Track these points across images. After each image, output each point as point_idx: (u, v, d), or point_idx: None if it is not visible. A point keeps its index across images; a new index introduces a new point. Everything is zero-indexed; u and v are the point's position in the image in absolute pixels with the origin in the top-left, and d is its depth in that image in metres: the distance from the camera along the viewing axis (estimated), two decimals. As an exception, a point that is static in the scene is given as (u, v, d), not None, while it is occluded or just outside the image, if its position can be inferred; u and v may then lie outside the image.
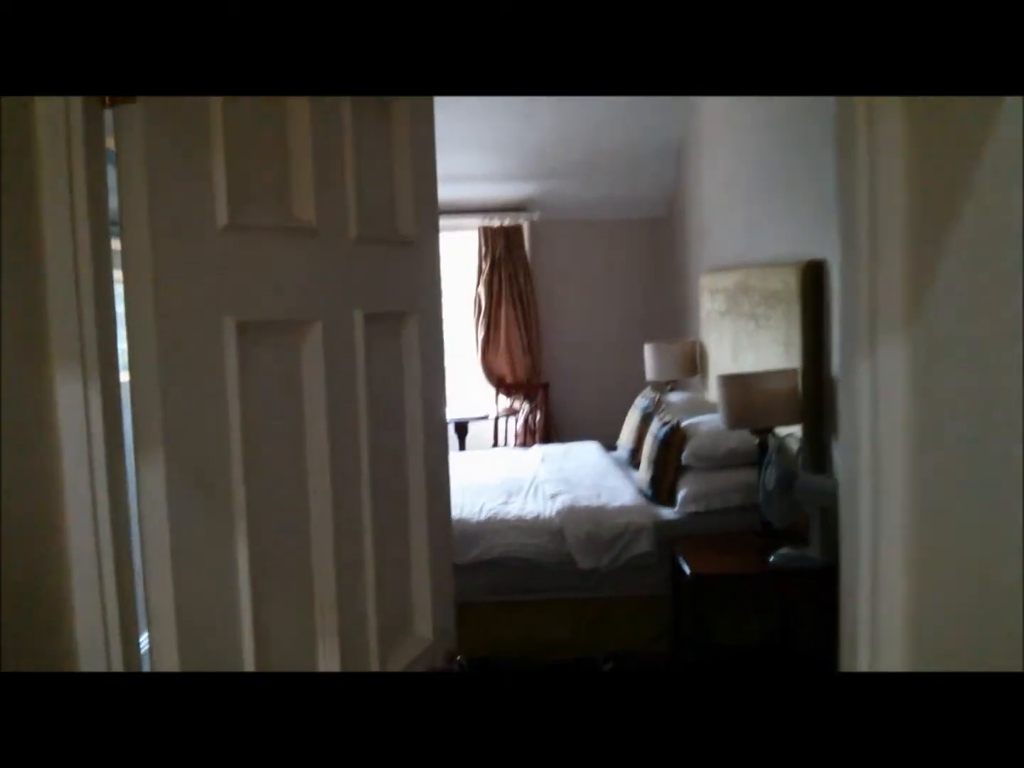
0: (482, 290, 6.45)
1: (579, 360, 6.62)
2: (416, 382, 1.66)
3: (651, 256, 6.63)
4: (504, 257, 6.41)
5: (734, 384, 3.51)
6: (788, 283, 3.76)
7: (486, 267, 6.43)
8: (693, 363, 5.44)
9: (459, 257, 6.67)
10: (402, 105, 1.62)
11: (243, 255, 1.29)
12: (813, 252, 3.65)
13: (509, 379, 6.51)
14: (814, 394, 3.59)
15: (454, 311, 6.85)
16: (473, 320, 6.52)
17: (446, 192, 5.85)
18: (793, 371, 3.60)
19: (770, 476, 3.24)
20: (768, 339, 4.04)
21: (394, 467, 1.62)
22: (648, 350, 5.52)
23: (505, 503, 4.22)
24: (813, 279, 3.61)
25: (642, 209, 6.55)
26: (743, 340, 4.45)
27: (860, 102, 1.43)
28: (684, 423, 4.15)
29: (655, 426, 4.30)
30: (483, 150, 6.07)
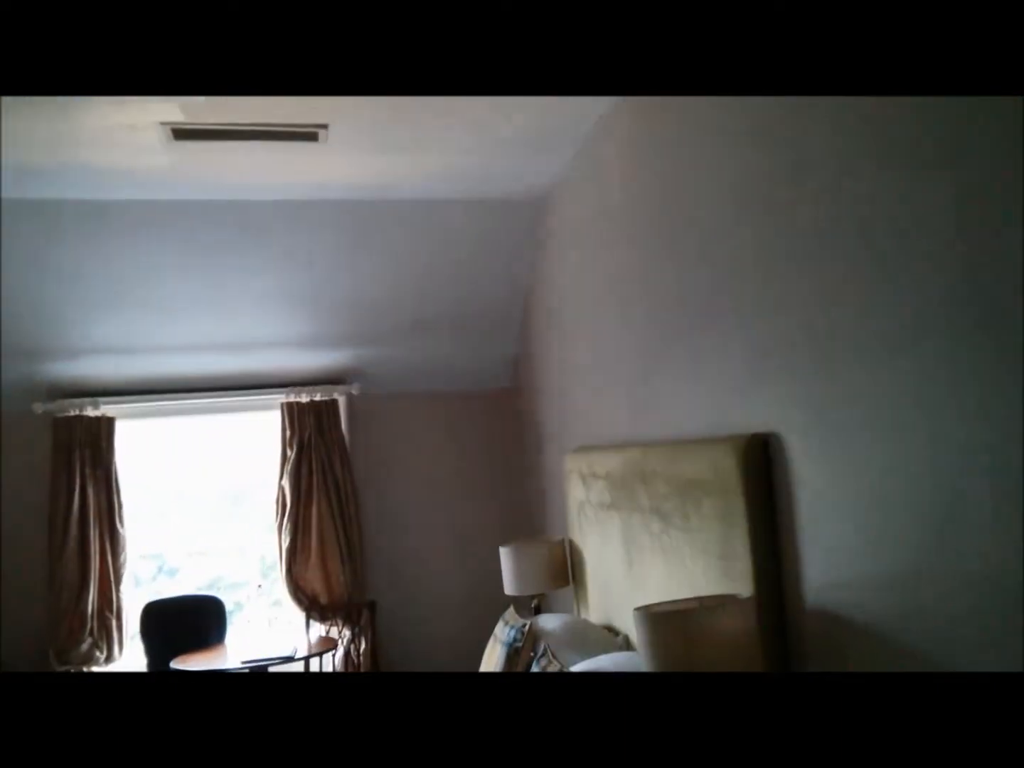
0: (287, 483, 5.04)
1: (415, 570, 5.24)
2: None
3: (499, 435, 5.46)
4: (315, 440, 5.07)
5: (670, 626, 2.28)
6: (719, 467, 2.64)
7: (292, 453, 5.06)
8: (564, 571, 4.21)
9: (258, 442, 5.28)
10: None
11: None
12: (752, 423, 2.57)
13: (324, 599, 5.02)
14: (779, 637, 2.41)
15: (250, 512, 5.38)
16: (276, 522, 5.07)
17: (241, 362, 4.54)
18: (746, 600, 2.42)
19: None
20: (689, 546, 2.87)
21: None
22: (505, 555, 4.25)
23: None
24: (758, 461, 2.51)
25: (484, 378, 5.44)
26: (643, 544, 3.27)
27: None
28: (576, 669, 2.86)
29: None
30: (288, 310, 4.84)
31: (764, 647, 2.33)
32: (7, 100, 3.10)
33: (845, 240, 2.11)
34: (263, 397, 5.08)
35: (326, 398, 5.13)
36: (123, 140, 3.52)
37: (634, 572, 3.38)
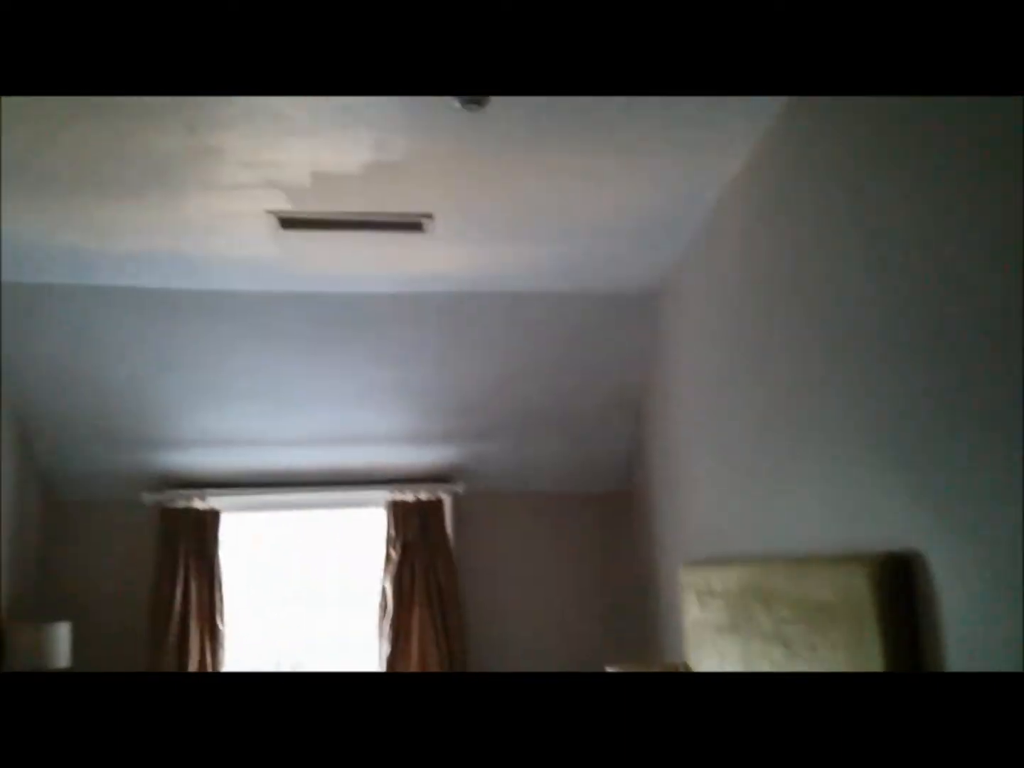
0: (389, 585, 4.84)
1: (517, 683, 4.90)
2: None
3: (611, 540, 5.13)
4: (419, 542, 4.87)
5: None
6: (850, 589, 2.28)
7: (396, 554, 4.87)
8: (677, 697, 3.80)
9: (362, 541, 5.13)
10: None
11: None
12: (891, 540, 2.21)
13: (421, 710, 4.73)
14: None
15: (353, 612, 5.20)
16: (376, 626, 4.85)
17: (345, 457, 4.41)
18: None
19: None
20: (816, 681, 2.48)
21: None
22: (612, 675, 3.88)
23: None
24: (897, 584, 2.14)
25: (596, 479, 5.14)
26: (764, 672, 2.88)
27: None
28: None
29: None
30: (394, 404, 4.73)
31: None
32: (118, 190, 3.14)
33: (994, 329, 1.79)
34: (368, 493, 4.95)
35: (431, 497, 4.94)
36: (232, 230, 3.53)
37: (753, 705, 2.97)
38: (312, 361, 4.44)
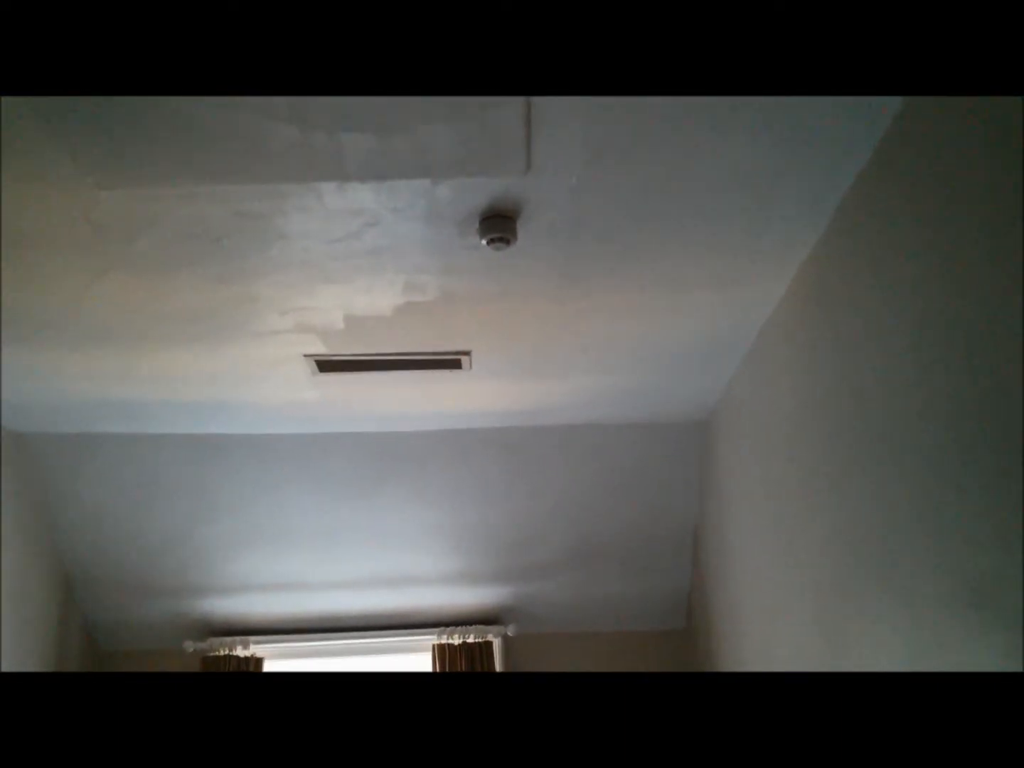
0: (437, 735, 4.59)
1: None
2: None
3: (669, 684, 4.85)
4: (468, 687, 4.65)
5: None
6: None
7: (443, 701, 4.64)
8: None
9: (408, 687, 4.92)
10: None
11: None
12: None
13: None
14: None
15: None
16: (424, 780, 4.59)
17: (390, 600, 4.29)
18: None
19: None
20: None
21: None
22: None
23: None
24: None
25: (653, 618, 4.91)
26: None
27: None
28: None
29: None
30: (440, 543, 4.62)
31: None
32: (156, 342, 3.17)
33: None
34: (413, 638, 4.77)
35: (480, 639, 4.75)
36: (270, 375, 3.53)
37: None
38: (356, 502, 4.37)
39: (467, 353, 3.45)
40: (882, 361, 2.43)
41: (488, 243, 2.39)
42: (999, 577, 1.91)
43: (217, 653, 4.61)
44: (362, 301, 2.93)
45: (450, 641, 4.73)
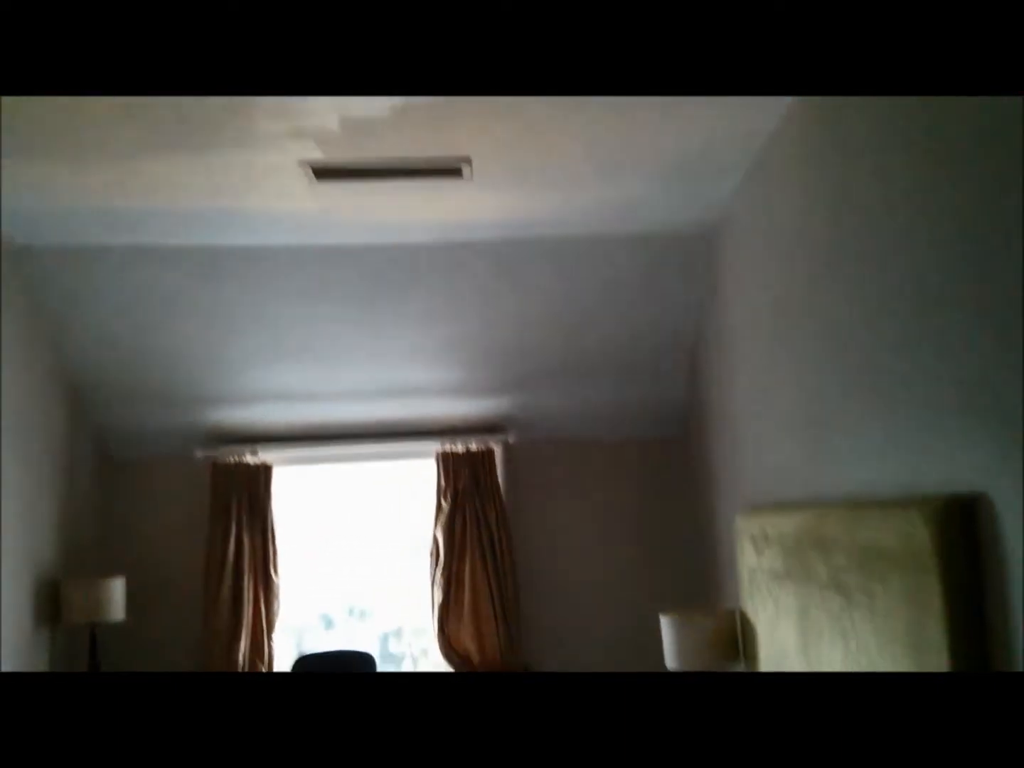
0: (440, 535, 4.83)
1: (572, 634, 4.88)
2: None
3: (664, 488, 5.05)
4: (470, 491, 4.85)
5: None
6: (910, 535, 2.16)
7: (447, 505, 4.86)
8: (733, 645, 3.73)
9: (412, 491, 5.13)
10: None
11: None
12: (954, 481, 2.09)
13: (476, 659, 4.74)
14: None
15: (405, 562, 5.24)
16: (429, 575, 4.86)
17: (396, 410, 4.39)
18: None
19: None
20: (875, 631, 2.38)
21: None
22: (667, 624, 3.83)
23: None
24: (960, 529, 2.02)
25: (649, 426, 5.05)
26: (821, 624, 2.79)
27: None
28: None
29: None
30: (442, 355, 4.68)
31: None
32: (152, 150, 3.10)
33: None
34: (418, 445, 4.92)
35: (482, 448, 4.90)
36: (268, 183, 3.47)
37: (810, 654, 2.89)
38: (360, 315, 4.40)
39: (467, 160, 3.38)
40: (882, 172, 2.39)
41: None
42: (994, 377, 1.95)
43: (227, 460, 4.77)
44: (358, 101, 2.84)
45: (453, 449, 4.88)
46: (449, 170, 3.46)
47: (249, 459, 4.79)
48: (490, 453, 4.92)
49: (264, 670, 4.62)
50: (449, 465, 4.87)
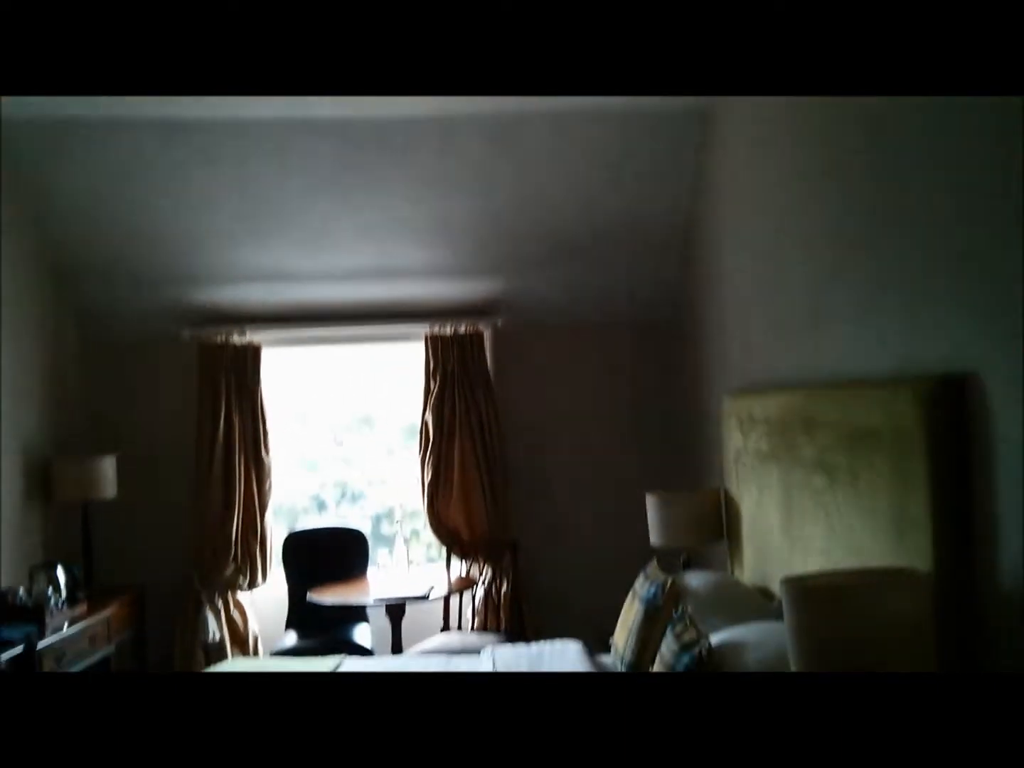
0: (430, 417, 4.86)
1: (559, 512, 4.96)
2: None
3: (652, 372, 5.05)
4: (459, 373, 4.85)
5: (825, 603, 1.87)
6: (897, 414, 2.18)
7: (435, 387, 4.86)
8: (717, 524, 3.81)
9: (402, 373, 5.13)
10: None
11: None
12: (944, 360, 2.09)
13: (465, 535, 4.84)
14: (960, 624, 1.97)
15: (394, 444, 5.28)
16: (419, 456, 4.90)
17: (384, 291, 4.32)
18: (922, 576, 1.98)
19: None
20: (857, 508, 2.42)
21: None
22: (652, 503, 3.90)
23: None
24: (949, 409, 2.03)
25: (638, 309, 5.01)
26: (804, 502, 2.83)
27: None
28: (718, 643, 2.50)
29: (669, 647, 2.63)
30: (430, 236, 4.60)
31: (939, 635, 1.89)
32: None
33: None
34: (407, 327, 4.89)
35: (471, 330, 4.87)
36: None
37: (793, 533, 2.95)
38: (348, 194, 4.30)
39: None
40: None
41: None
42: (952, 240, 1.92)
43: (214, 341, 4.73)
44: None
45: (442, 332, 4.85)
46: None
47: (236, 339, 4.76)
48: (479, 336, 4.90)
49: (257, 548, 4.70)
50: (438, 348, 4.85)
